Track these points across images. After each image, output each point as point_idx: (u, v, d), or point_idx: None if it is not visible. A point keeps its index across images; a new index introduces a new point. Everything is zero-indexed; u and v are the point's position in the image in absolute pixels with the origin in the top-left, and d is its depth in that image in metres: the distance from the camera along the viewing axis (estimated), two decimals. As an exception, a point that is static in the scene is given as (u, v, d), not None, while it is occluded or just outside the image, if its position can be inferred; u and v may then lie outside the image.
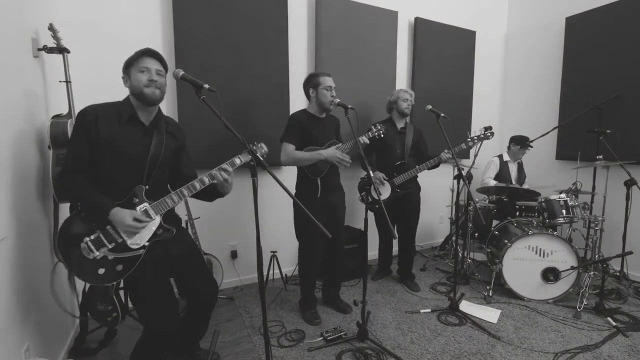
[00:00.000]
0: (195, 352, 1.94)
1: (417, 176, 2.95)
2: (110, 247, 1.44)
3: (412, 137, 2.97)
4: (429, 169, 2.82)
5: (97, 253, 1.41)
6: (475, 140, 2.70)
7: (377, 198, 2.74)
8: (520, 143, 3.51)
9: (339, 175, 2.58)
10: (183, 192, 1.55)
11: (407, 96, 2.90)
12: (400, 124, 2.98)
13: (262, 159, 1.85)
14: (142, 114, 1.53)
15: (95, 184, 1.46)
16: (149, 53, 1.50)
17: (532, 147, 3.53)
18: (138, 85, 1.46)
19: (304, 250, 2.50)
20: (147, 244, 1.51)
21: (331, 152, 2.32)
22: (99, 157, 1.45)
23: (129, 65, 1.49)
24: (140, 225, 1.46)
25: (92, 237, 1.42)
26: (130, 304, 2.08)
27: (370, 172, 2.08)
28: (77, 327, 2.19)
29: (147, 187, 1.52)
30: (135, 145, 1.51)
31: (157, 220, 1.54)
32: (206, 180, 1.58)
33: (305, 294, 2.56)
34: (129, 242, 1.47)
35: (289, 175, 2.59)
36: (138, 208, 1.49)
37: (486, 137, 2.70)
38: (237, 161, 1.65)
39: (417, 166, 2.81)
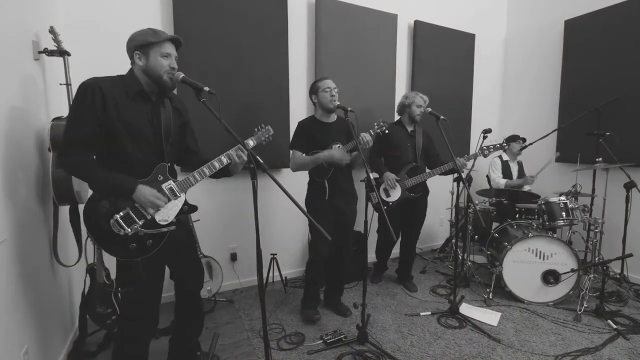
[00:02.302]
0: (195, 354, 1.93)
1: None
2: (140, 223, 1.44)
3: (422, 141, 2.95)
4: (441, 174, 2.77)
5: (129, 230, 1.40)
6: (492, 149, 2.61)
7: (384, 200, 2.75)
8: (511, 139, 3.61)
9: (351, 180, 2.54)
10: (204, 171, 1.59)
11: (422, 102, 2.86)
12: (410, 127, 2.96)
13: (265, 141, 1.93)
14: (149, 90, 1.51)
15: (115, 163, 1.44)
16: (173, 40, 1.50)
17: (524, 139, 3.59)
18: (159, 70, 1.45)
19: (314, 253, 2.50)
20: (174, 220, 1.54)
21: (327, 154, 2.29)
22: (115, 136, 1.41)
23: (149, 46, 1.45)
24: (163, 201, 1.48)
25: (122, 213, 1.41)
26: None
27: (370, 174, 2.07)
28: (76, 329, 2.19)
29: (169, 164, 1.54)
30: (147, 121, 1.49)
31: (183, 197, 1.58)
32: (224, 160, 1.63)
33: (309, 294, 2.55)
34: (157, 218, 1.49)
35: (290, 178, 2.60)
36: (163, 186, 1.50)
37: (502, 147, 2.63)
38: (251, 143, 1.77)
39: (431, 170, 2.78)
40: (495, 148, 2.62)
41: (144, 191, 1.43)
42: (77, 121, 1.38)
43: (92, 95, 1.37)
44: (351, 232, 2.58)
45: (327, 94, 2.34)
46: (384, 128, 2.32)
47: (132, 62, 1.50)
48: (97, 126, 1.39)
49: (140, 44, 1.45)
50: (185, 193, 1.59)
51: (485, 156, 2.66)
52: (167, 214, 1.52)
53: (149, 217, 1.46)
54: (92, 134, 1.39)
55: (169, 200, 1.53)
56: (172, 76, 1.48)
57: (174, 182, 1.54)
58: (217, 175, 1.69)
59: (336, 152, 2.30)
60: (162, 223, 1.50)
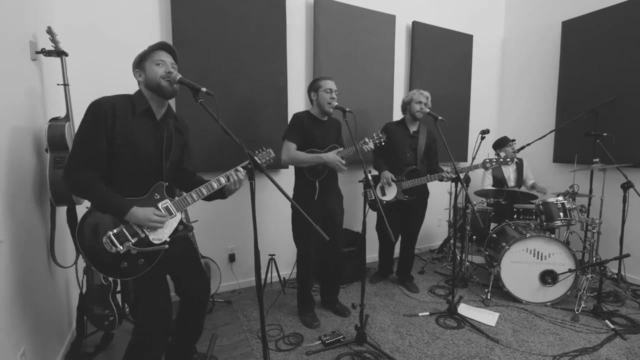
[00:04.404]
0: (193, 356, 1.93)
1: None
2: (133, 241, 1.43)
3: (425, 142, 2.90)
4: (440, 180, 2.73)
5: (121, 247, 1.39)
6: (494, 164, 2.57)
7: (379, 198, 2.76)
8: (498, 145, 3.57)
9: (337, 179, 2.58)
10: (202, 190, 1.57)
11: (422, 99, 2.79)
12: (412, 128, 2.91)
13: (266, 163, 1.89)
14: (155, 108, 1.52)
15: (114, 180, 1.44)
16: (163, 47, 1.50)
17: (514, 140, 3.56)
18: (155, 78, 1.46)
19: (302, 254, 2.50)
20: (168, 239, 1.52)
21: (332, 157, 2.32)
22: (118, 152, 1.42)
23: (143, 59, 1.48)
24: (162, 219, 1.47)
25: (115, 230, 1.40)
26: (127, 307, 2.08)
27: (369, 175, 2.07)
28: (73, 331, 2.18)
29: (166, 183, 1.54)
30: (150, 139, 1.50)
31: (178, 216, 1.57)
32: (223, 180, 1.60)
33: (303, 297, 2.55)
34: (151, 237, 1.48)
35: (288, 179, 2.60)
36: (160, 204, 1.50)
37: (505, 163, 2.58)
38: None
39: (428, 175, 2.74)
40: (498, 162, 2.57)
41: (137, 214, 1.41)
42: (87, 141, 1.39)
43: (104, 115, 1.38)
44: (341, 230, 2.60)
45: (327, 94, 2.34)
46: (382, 140, 2.43)
47: (138, 83, 1.52)
48: (107, 145, 1.40)
49: (137, 61, 1.49)
50: (181, 212, 1.58)
51: (486, 169, 2.62)
52: (161, 232, 1.51)
53: (142, 235, 1.45)
54: (102, 154, 1.40)
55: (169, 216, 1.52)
56: (170, 81, 1.47)
57: (170, 201, 1.53)
58: (210, 197, 1.66)
59: (338, 157, 2.32)
60: (155, 242, 1.49)
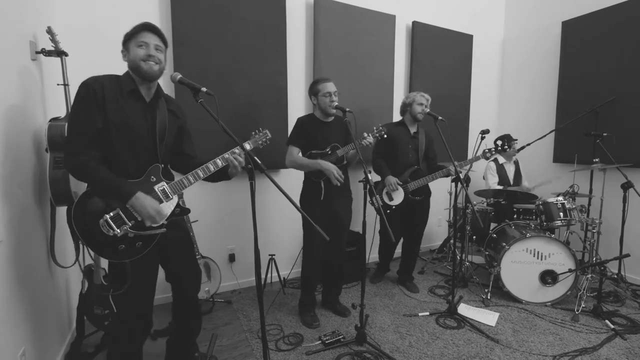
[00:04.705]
0: (193, 355, 1.93)
1: None
2: (130, 224, 1.42)
3: (424, 143, 2.93)
4: (443, 176, 2.76)
5: (118, 231, 1.39)
6: (494, 152, 2.66)
7: (388, 204, 2.76)
8: (503, 141, 3.55)
9: (348, 180, 2.55)
10: (198, 173, 1.57)
11: (423, 101, 2.82)
12: (412, 129, 2.93)
13: (262, 145, 1.91)
14: (143, 89, 1.50)
15: (108, 163, 1.43)
16: (148, 28, 1.47)
17: (516, 140, 3.55)
18: (135, 59, 1.44)
19: (307, 253, 2.50)
20: (165, 222, 1.52)
21: (328, 166, 2.29)
22: (110, 134, 1.41)
23: (128, 39, 1.46)
24: (161, 216, 1.46)
25: (112, 214, 1.39)
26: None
27: (369, 175, 2.07)
28: (73, 331, 2.18)
29: (162, 165, 1.53)
30: (141, 121, 1.49)
31: (175, 199, 1.56)
32: (219, 162, 1.60)
33: (305, 296, 2.55)
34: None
35: (288, 178, 2.60)
36: (156, 187, 1.50)
37: (504, 150, 2.66)
38: (247, 146, 1.75)
39: (432, 174, 2.76)
40: (497, 151, 2.64)
41: (145, 201, 1.41)
42: (82, 120, 1.38)
43: (93, 93, 1.38)
44: (345, 232, 2.58)
45: (326, 98, 2.34)
46: (383, 133, 2.37)
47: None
48: (101, 123, 1.39)
49: (123, 42, 1.48)
50: (177, 195, 1.58)
51: (487, 159, 2.67)
52: None
53: (139, 218, 1.45)
54: (98, 132, 1.39)
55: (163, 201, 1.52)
56: (151, 64, 1.44)
57: (166, 183, 1.53)
58: (214, 178, 1.65)
59: (335, 169, 2.28)
60: (152, 225, 1.49)
